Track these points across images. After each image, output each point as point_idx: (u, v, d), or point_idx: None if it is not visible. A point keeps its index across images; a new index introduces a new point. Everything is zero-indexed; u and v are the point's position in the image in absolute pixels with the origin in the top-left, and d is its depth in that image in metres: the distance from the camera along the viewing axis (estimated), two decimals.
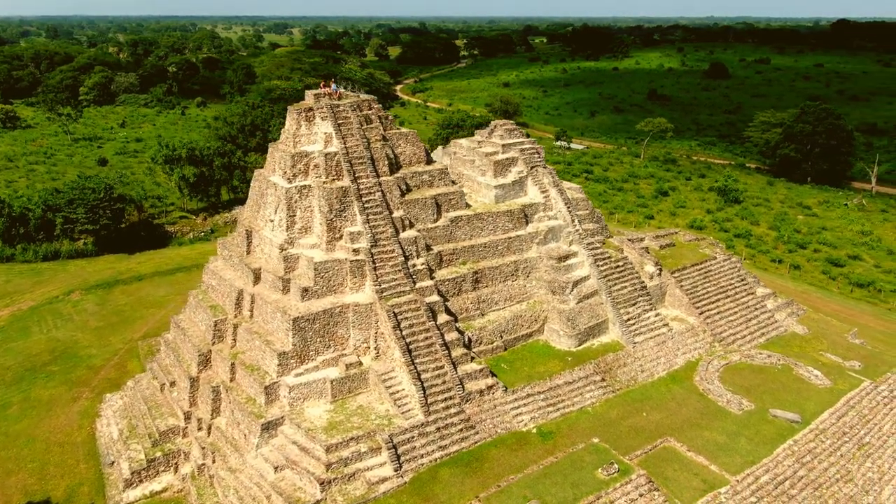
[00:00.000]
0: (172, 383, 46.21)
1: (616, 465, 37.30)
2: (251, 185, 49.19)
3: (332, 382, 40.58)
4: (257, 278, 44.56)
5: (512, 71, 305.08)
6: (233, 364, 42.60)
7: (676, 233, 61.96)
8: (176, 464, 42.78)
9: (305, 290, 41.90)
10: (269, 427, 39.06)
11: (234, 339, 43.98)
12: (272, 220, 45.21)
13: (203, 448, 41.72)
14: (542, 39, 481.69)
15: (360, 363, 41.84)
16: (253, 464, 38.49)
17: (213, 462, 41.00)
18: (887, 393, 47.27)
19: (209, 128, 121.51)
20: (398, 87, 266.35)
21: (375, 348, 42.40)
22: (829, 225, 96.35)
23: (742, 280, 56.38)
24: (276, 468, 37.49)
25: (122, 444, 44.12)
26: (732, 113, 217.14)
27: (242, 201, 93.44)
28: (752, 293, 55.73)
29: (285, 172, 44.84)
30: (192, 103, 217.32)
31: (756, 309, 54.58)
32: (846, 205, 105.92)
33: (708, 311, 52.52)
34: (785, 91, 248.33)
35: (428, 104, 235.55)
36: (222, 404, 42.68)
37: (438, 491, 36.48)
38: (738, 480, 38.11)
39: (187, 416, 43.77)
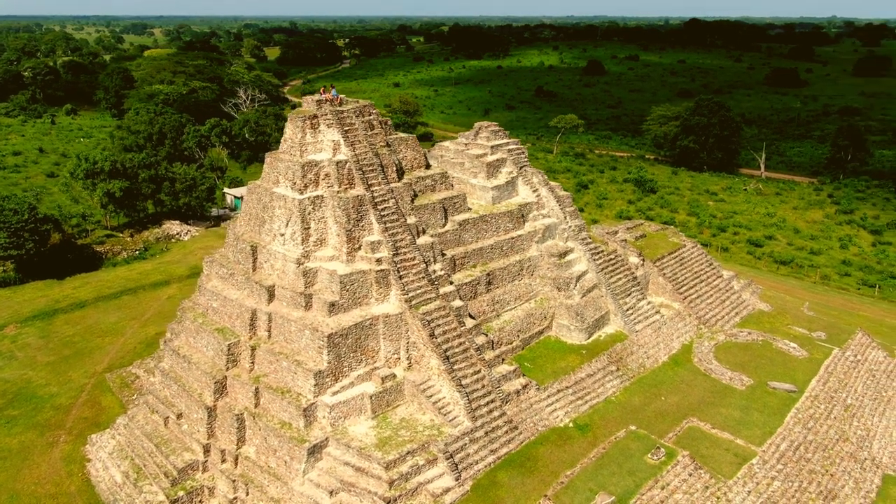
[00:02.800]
0: (179, 415, 42.87)
1: (663, 450, 39.07)
2: (245, 198, 46.53)
3: (370, 398, 39.43)
4: (272, 296, 42.28)
5: (399, 71, 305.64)
6: (257, 389, 40.23)
7: (642, 224, 65.36)
8: (200, 501, 39.82)
9: (332, 304, 40.33)
10: (315, 450, 37.35)
11: (253, 363, 41.51)
12: (282, 234, 43.02)
13: (234, 481, 39.14)
14: (420, 39, 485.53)
15: (394, 375, 40.92)
16: (301, 491, 36.66)
17: (248, 494, 38.64)
18: (853, 358, 52.58)
19: (112, 138, 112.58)
20: (285, 89, 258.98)
21: (407, 358, 41.60)
22: (737, 209, 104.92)
23: (710, 265, 60.51)
24: (330, 493, 35.96)
25: (131, 487, 40.45)
26: (615, 107, 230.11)
27: (170, 215, 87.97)
28: (720, 276, 59.97)
29: (294, 183, 42.82)
30: (60, 111, 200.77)
31: (726, 291, 58.80)
32: (746, 190, 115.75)
33: (689, 295, 55.93)
34: (657, 86, 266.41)
35: None
36: (248, 432, 40.22)
37: (503, 494, 36.57)
38: (763, 451, 41.10)
39: (206, 449, 40.83)
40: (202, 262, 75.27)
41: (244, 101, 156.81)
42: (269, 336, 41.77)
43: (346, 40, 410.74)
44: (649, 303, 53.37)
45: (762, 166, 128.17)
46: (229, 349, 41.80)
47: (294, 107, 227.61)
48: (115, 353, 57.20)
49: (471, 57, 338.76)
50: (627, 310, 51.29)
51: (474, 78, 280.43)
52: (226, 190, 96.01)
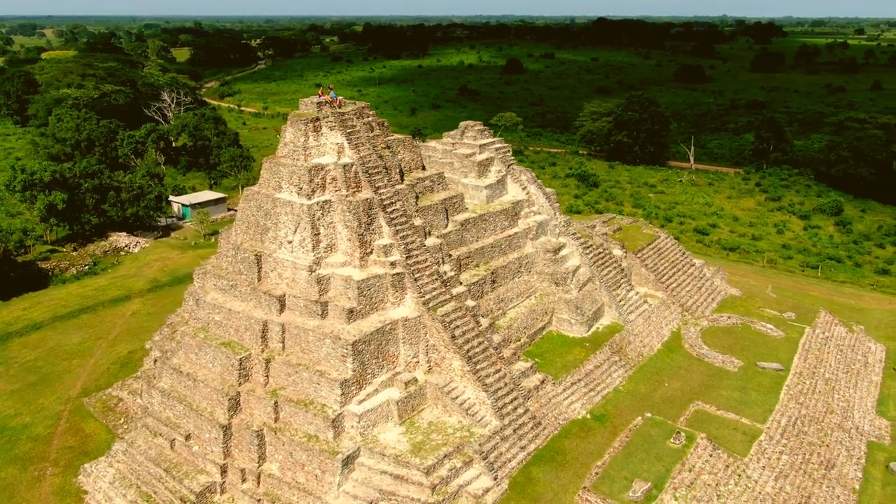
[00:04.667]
0: (188, 436, 40.69)
1: (683, 434, 40.51)
2: (242, 205, 44.58)
3: (397, 403, 38.85)
4: (283, 306, 40.82)
5: (318, 71, 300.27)
6: (276, 402, 38.76)
7: (615, 217, 67.34)
8: None
9: (351, 311, 39.41)
10: (348, 461, 36.42)
11: (268, 376, 39.94)
12: (290, 242, 41.57)
13: (258, 500, 37.56)
14: (334, 39, 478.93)
15: (416, 379, 40.46)
16: None
17: None
18: (822, 334, 56.22)
19: (36, 146, 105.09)
20: (202, 91, 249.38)
21: (427, 361, 41.21)
22: (677, 199, 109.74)
23: (683, 254, 63.10)
24: (370, 503, 35.17)
25: None
26: (538, 105, 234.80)
27: (115, 226, 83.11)
28: (693, 264, 62.66)
29: (301, 189, 41.46)
30: None
31: (700, 278, 61.50)
32: (681, 181, 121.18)
33: (670, 284, 58.13)
34: (575, 83, 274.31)
35: (242, 108, 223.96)
36: (268, 449, 38.69)
37: (542, 490, 36.93)
38: (768, 427, 43.38)
39: (223, 470, 38.97)
40: (159, 274, 71.85)
41: (169, 104, 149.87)
42: (283, 347, 40.31)
43: (259, 40, 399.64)
44: (637, 293, 55.10)
45: (692, 158, 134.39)
46: (241, 364, 40.06)
47: (214, 109, 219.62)
48: (86, 377, 53.57)
49: (390, 56, 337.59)
50: (620, 301, 52.79)
51: (397, 77, 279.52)
52: (172, 198, 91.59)
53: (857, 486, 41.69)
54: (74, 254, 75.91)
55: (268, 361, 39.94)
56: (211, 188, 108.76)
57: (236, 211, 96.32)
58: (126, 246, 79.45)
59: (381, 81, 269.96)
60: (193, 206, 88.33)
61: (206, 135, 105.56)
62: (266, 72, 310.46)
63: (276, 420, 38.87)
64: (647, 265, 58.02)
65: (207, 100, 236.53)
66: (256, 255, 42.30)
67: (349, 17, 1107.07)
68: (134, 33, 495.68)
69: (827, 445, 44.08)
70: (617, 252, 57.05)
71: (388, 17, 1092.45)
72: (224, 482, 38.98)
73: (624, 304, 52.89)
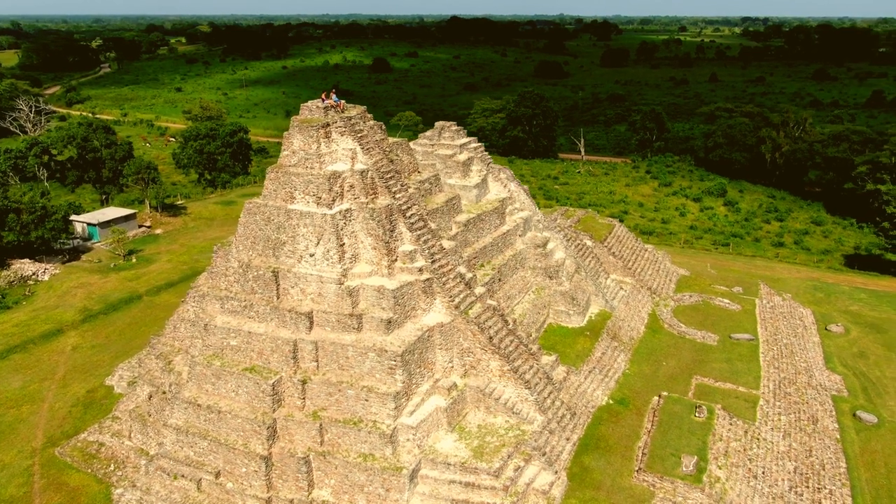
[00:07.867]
0: (217, 474, 37.41)
1: (704, 408, 43.20)
2: (244, 220, 41.43)
3: (444, 411, 38.20)
4: (312, 323, 38.59)
5: (174, 75, 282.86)
6: (321, 425, 36.69)
7: (568, 209, 69.77)
8: None
9: (388, 321, 38.12)
10: (414, 476, 35.34)
11: (304, 398, 37.65)
12: (312, 255, 39.33)
13: None
14: (181, 39, 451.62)
15: (456, 384, 39.94)
16: None
17: None
18: (768, 304, 62.00)
19: None
20: (45, 98, 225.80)
21: (462, 365, 40.78)
22: (583, 190, 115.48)
23: (636, 240, 66.78)
24: None
25: None
26: (412, 103, 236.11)
27: (11, 252, 73.98)
28: (646, 249, 66.53)
29: (320, 198, 39.33)
30: None
31: (655, 262, 65.47)
32: (579, 172, 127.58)
33: (635, 269, 61.40)
34: (443, 81, 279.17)
35: (97, 116, 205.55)
36: (316, 474, 36.55)
37: (599, 477, 37.97)
38: (763, 393, 47.39)
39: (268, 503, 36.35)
40: (87, 302, 65.19)
41: (27, 114, 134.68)
42: (318, 366, 38.19)
43: (100, 42, 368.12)
44: (613, 280, 57.74)
45: (582, 150, 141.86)
46: (274, 388, 37.45)
47: (63, 118, 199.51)
48: (46, 424, 47.35)
49: (249, 58, 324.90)
50: (604, 289, 55.07)
51: (262, 79, 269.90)
52: (73, 217, 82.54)
53: (838, 436, 46.63)
54: None
55: (303, 383, 37.67)
56: (102, 204, 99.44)
57: (148, 227, 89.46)
58: (33, 274, 70.75)
59: (246, 83, 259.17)
60: (103, 224, 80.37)
61: (95, 146, 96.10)
62: (114, 76, 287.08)
63: (321, 443, 36.83)
64: (613, 253, 60.94)
65: (54, 108, 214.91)
66: (273, 271, 39.63)
67: (187, 16, 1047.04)
68: None
69: (806, 403, 48.84)
70: (588, 242, 59.41)
71: (230, 16, 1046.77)
72: None
73: (607, 292, 55.26)
